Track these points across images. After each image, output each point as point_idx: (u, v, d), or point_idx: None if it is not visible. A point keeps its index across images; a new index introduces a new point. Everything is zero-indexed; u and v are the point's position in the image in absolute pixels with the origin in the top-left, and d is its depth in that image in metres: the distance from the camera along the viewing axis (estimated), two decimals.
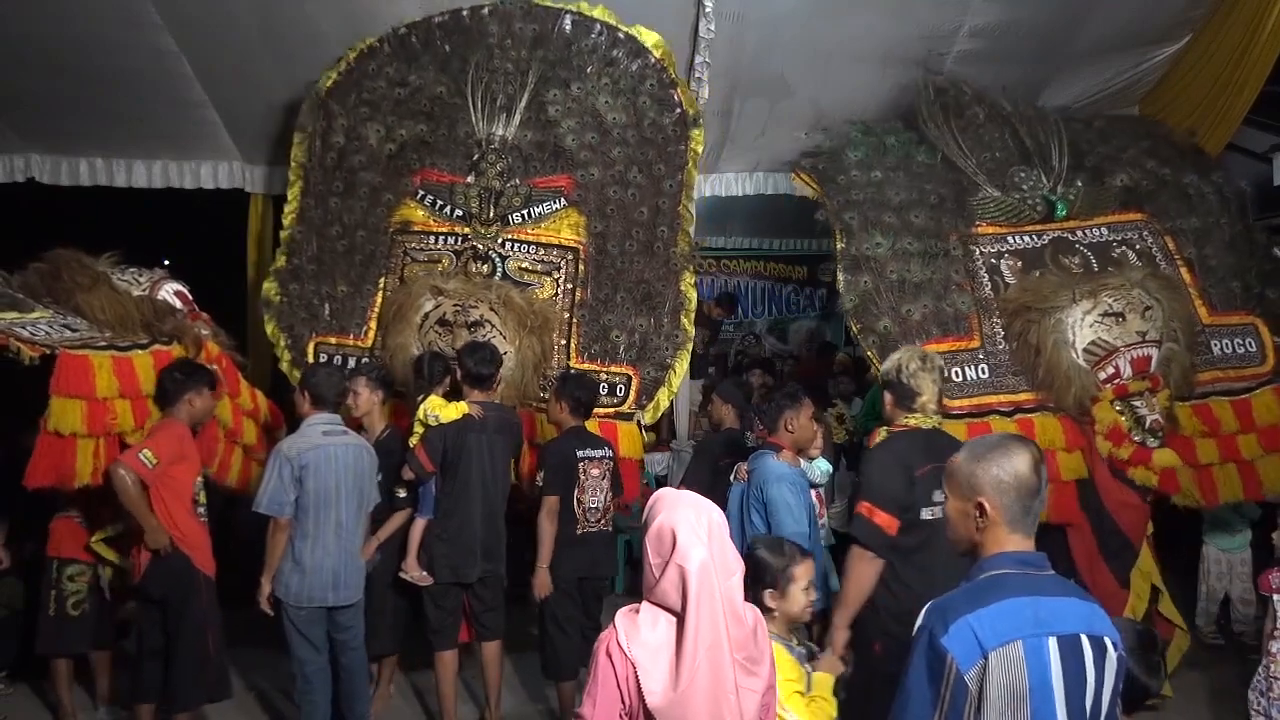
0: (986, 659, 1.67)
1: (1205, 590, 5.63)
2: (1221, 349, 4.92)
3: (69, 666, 4.39)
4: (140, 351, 4.03)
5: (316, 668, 3.99)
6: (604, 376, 5.03)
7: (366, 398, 4.46)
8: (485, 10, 5.35)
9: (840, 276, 5.09)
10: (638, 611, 1.91)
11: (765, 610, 2.50)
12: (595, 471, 4.28)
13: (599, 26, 5.41)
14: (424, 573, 4.21)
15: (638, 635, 1.86)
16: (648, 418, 5.10)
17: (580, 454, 4.24)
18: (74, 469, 3.77)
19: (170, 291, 4.57)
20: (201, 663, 3.88)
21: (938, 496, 3.02)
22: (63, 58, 5.26)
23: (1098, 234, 5.23)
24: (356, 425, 4.44)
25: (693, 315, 5.22)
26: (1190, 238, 5.13)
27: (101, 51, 5.26)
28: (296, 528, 3.91)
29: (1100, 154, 5.49)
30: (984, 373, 4.85)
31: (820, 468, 4.34)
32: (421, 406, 4.29)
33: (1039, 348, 4.71)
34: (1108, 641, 1.76)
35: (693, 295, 5.23)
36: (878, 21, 5.39)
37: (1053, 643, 1.70)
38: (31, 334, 3.73)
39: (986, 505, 1.83)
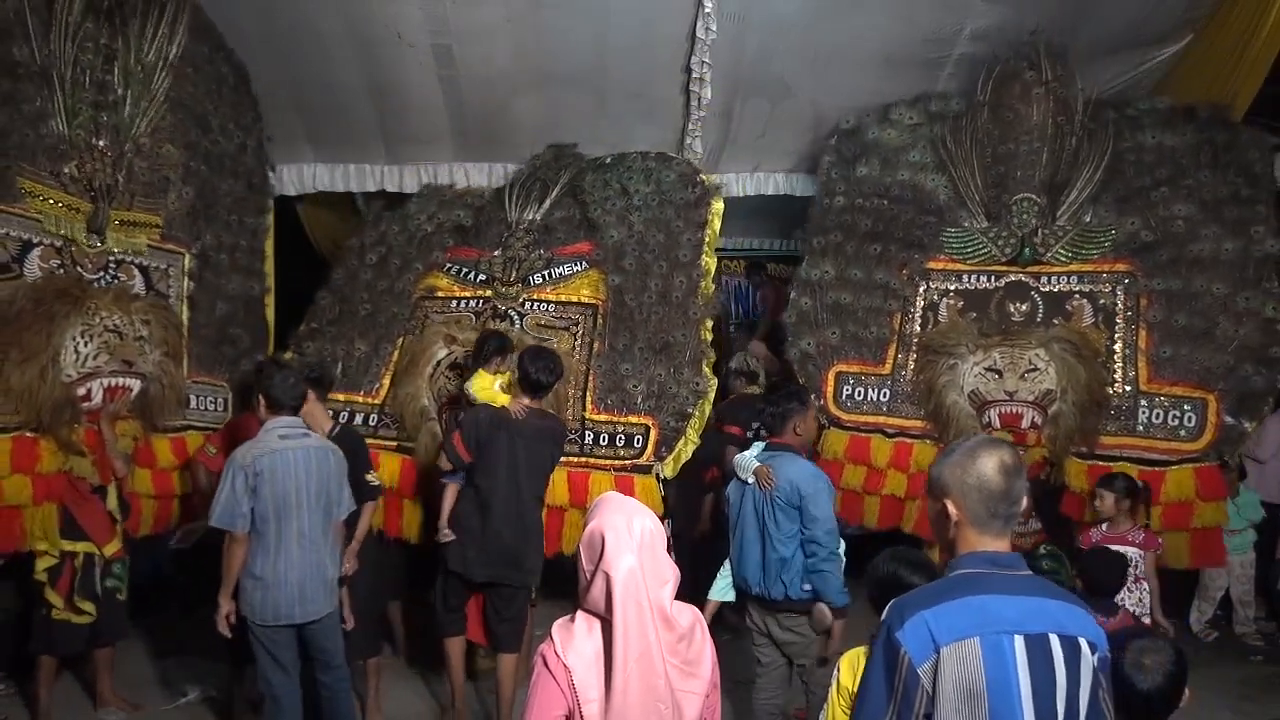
0: (939, 654, 1.68)
1: (1203, 589, 5.63)
2: (1150, 418, 4.87)
3: (52, 665, 4.32)
4: (4, 435, 4.13)
5: (286, 690, 3.68)
6: (620, 428, 4.95)
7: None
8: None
9: (791, 294, 5.58)
10: (574, 620, 1.89)
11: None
12: None
13: (634, 155, 5.89)
14: (449, 532, 4.09)
15: (573, 643, 1.84)
16: (668, 470, 4.92)
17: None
18: None
19: (102, 387, 4.47)
20: None
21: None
22: None
23: (1063, 282, 5.23)
24: None
25: (713, 364, 5.22)
26: (1166, 300, 4.98)
27: None
28: (256, 540, 3.58)
29: (1143, 184, 5.22)
30: (884, 396, 5.31)
31: None
32: (468, 383, 4.32)
33: (932, 386, 5.14)
34: (1082, 642, 1.72)
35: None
36: (879, 23, 5.31)
37: (1019, 641, 1.69)
38: None
39: (950, 506, 1.84)
